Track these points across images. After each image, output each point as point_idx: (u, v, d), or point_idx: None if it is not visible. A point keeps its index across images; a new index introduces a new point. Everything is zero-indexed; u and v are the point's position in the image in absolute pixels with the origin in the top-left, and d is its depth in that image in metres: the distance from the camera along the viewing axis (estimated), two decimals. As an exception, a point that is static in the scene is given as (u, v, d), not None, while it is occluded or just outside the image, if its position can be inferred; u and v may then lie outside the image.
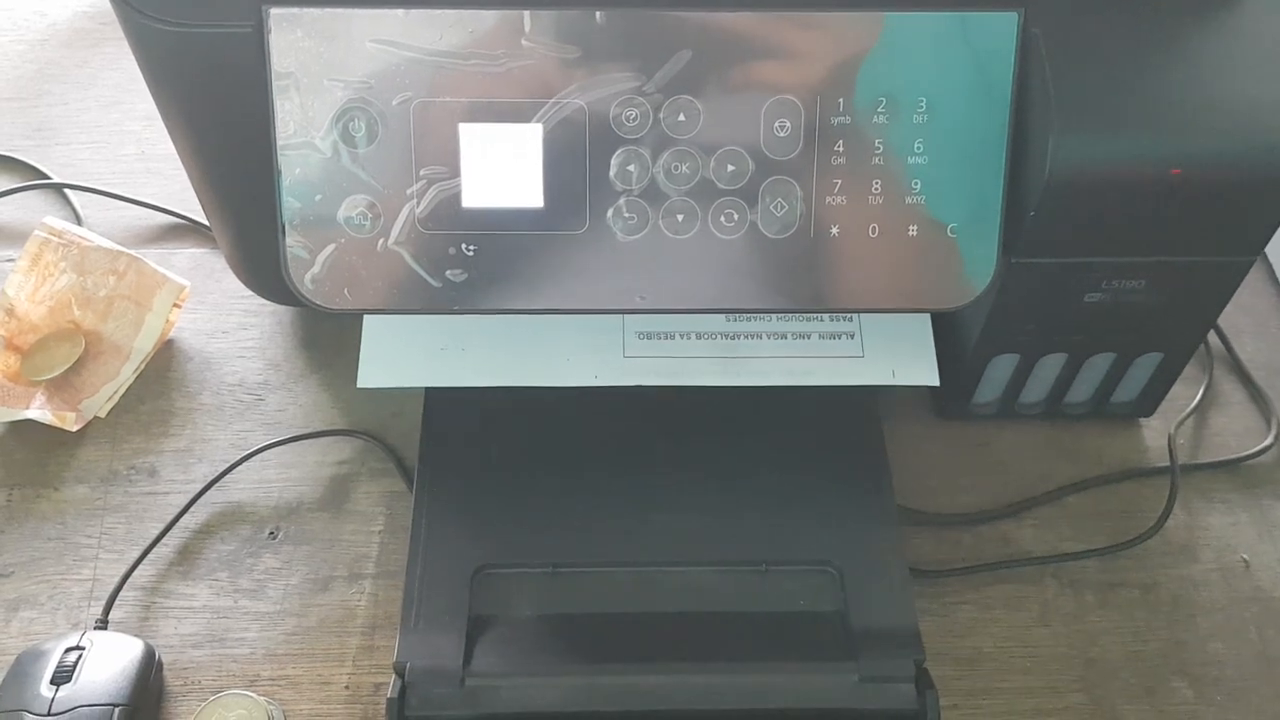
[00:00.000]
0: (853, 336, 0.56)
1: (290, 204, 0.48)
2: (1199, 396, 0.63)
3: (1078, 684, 0.53)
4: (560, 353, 0.55)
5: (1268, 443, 0.61)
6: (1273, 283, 0.69)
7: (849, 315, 0.56)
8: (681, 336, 0.56)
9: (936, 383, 0.55)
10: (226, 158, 0.52)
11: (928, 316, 0.56)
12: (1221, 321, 0.63)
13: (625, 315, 0.56)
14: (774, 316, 0.56)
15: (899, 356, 0.56)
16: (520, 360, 0.55)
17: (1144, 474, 0.60)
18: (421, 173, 0.48)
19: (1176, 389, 0.59)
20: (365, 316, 0.55)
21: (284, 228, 0.48)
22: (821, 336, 0.56)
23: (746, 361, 0.55)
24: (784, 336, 0.56)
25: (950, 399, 0.58)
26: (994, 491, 0.58)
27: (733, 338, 0.56)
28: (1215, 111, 0.46)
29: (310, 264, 0.49)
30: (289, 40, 0.46)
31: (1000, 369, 0.57)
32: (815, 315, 0.56)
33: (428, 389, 0.57)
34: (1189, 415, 0.62)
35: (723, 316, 0.56)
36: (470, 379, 0.54)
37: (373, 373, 0.55)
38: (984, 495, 0.58)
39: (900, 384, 0.55)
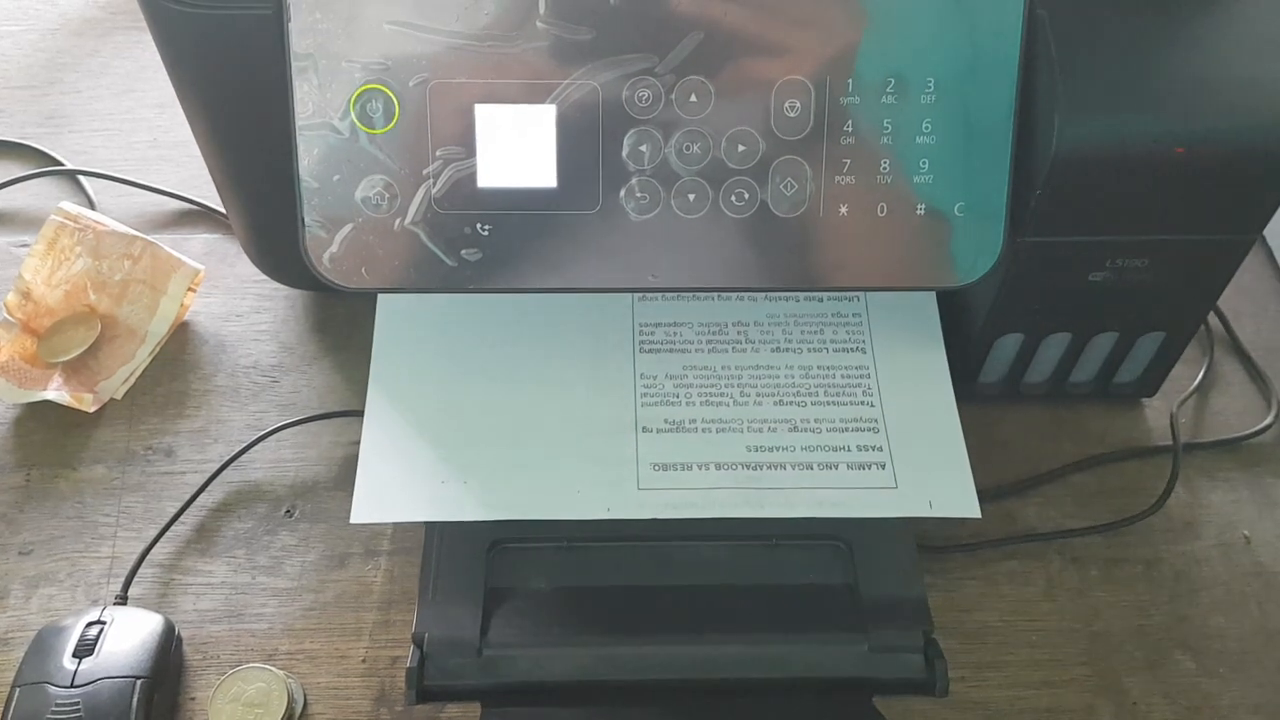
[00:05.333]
0: (883, 466, 0.52)
1: (309, 184, 0.49)
2: (1200, 377, 0.63)
3: (1082, 657, 0.53)
4: (569, 485, 0.51)
5: (1268, 422, 0.62)
6: (1272, 266, 0.69)
7: (878, 445, 0.53)
8: (700, 467, 0.52)
9: (978, 514, 0.51)
10: (244, 140, 0.52)
11: (961, 440, 0.53)
12: (1221, 304, 0.64)
13: (639, 448, 0.53)
14: (798, 446, 0.53)
15: (935, 485, 0.52)
16: (527, 493, 0.51)
17: (1147, 453, 0.60)
18: (438, 153, 0.49)
19: (1178, 370, 0.60)
20: (362, 446, 0.52)
21: (302, 208, 0.49)
22: (850, 467, 0.52)
23: (770, 492, 0.52)
24: (810, 467, 0.52)
25: (956, 380, 0.59)
26: (999, 470, 0.59)
27: (754, 468, 0.52)
28: (1218, 90, 0.47)
29: (328, 243, 0.50)
30: (308, 22, 0.47)
31: (1005, 349, 0.57)
32: (843, 446, 0.53)
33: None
34: (1190, 395, 0.63)
35: (744, 446, 0.53)
36: (473, 514, 0.51)
37: (368, 508, 0.51)
38: (990, 474, 0.58)
39: (938, 515, 0.51)
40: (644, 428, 0.53)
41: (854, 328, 0.57)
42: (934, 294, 0.58)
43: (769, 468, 0.52)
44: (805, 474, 0.52)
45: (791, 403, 0.55)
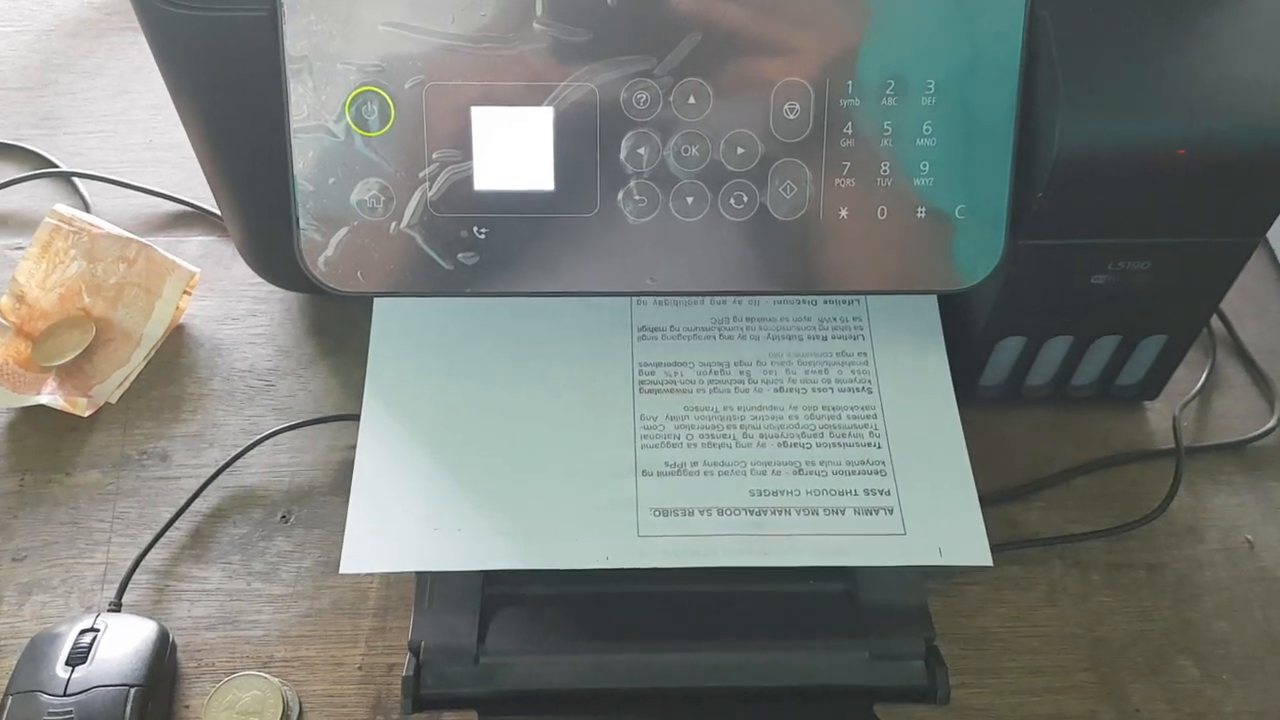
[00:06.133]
0: (891, 511, 0.51)
1: (304, 187, 0.48)
2: (1202, 380, 0.63)
3: (1085, 663, 0.53)
4: (567, 532, 0.50)
5: (1271, 425, 0.61)
6: (1274, 267, 0.69)
7: (886, 489, 0.51)
8: (702, 513, 0.51)
9: (989, 562, 0.49)
10: (239, 143, 0.52)
11: (972, 484, 0.52)
12: (1223, 306, 0.64)
13: (639, 492, 0.51)
14: (803, 490, 0.51)
15: (945, 532, 0.50)
16: (523, 541, 0.50)
17: (1149, 456, 0.60)
18: (434, 156, 0.48)
19: (1180, 373, 0.59)
20: (352, 493, 0.51)
21: (297, 211, 0.49)
22: (857, 512, 0.51)
23: (774, 539, 0.50)
24: (815, 512, 0.51)
25: (957, 383, 0.59)
26: (1001, 474, 0.59)
27: (758, 513, 0.51)
28: (1221, 92, 0.46)
29: (324, 247, 0.49)
30: (302, 24, 0.46)
31: (1007, 352, 0.57)
32: (849, 490, 0.51)
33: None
34: (1193, 398, 0.62)
35: (747, 491, 0.51)
36: (468, 562, 0.49)
37: (358, 556, 0.49)
38: (991, 478, 0.58)
39: (949, 564, 0.50)
40: (644, 471, 0.52)
41: (859, 367, 0.56)
42: (940, 330, 0.57)
43: (773, 513, 0.51)
44: (811, 520, 0.51)
45: (796, 444, 0.53)
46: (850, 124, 0.48)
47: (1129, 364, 0.58)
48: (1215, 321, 0.65)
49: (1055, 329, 0.56)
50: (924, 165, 0.49)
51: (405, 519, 0.50)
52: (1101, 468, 0.60)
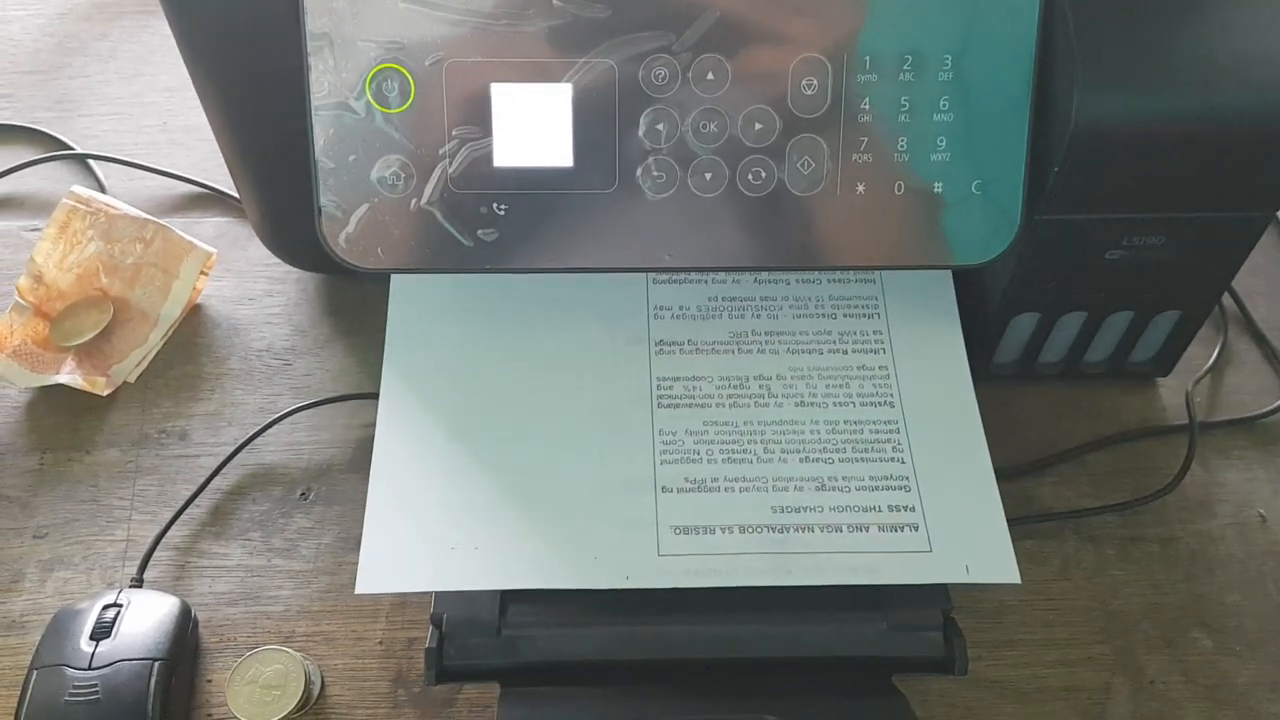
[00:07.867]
0: (917, 528, 0.50)
1: (325, 165, 0.49)
2: (1214, 356, 0.63)
3: (1099, 636, 0.53)
4: (586, 551, 0.49)
5: (1282, 401, 0.62)
6: (1286, 245, 0.69)
7: (910, 505, 0.51)
8: (723, 530, 0.50)
9: (1017, 579, 0.48)
10: (259, 122, 0.52)
11: (997, 498, 0.51)
12: (1235, 283, 0.64)
13: (659, 509, 0.50)
14: (827, 506, 0.51)
15: (971, 548, 0.49)
16: (541, 560, 0.49)
17: (1162, 432, 0.60)
18: (454, 133, 0.48)
19: (1192, 349, 0.60)
20: (367, 511, 0.50)
21: (318, 188, 0.49)
22: (881, 529, 0.50)
23: (797, 557, 0.49)
24: (839, 529, 0.50)
25: (971, 359, 0.59)
26: (1015, 450, 0.59)
27: (781, 531, 0.50)
28: (1237, 66, 0.47)
29: (344, 224, 0.49)
30: (323, 1, 0.46)
31: (1021, 328, 0.57)
32: (873, 506, 0.51)
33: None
34: (1205, 374, 0.63)
35: (769, 507, 0.51)
36: (485, 582, 0.48)
37: (374, 576, 0.48)
38: (1005, 454, 0.58)
39: (976, 582, 0.49)
40: (664, 487, 0.51)
41: (880, 380, 0.55)
42: (962, 345, 0.56)
43: (796, 530, 0.50)
44: (834, 537, 0.50)
45: (818, 459, 0.52)
46: (867, 99, 0.48)
47: (1142, 340, 0.58)
48: (1227, 299, 0.66)
49: (1069, 305, 0.56)
50: (941, 140, 0.49)
51: (421, 537, 0.50)
52: (1114, 443, 0.60)
